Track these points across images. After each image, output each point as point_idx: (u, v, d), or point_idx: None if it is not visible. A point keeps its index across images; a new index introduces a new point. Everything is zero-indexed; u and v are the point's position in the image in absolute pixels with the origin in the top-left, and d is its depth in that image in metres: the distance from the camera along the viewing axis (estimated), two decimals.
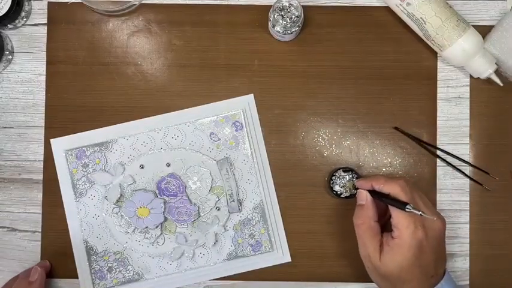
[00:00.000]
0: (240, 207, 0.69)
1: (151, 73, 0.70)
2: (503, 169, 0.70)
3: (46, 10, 0.71)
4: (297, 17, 0.66)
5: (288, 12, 0.66)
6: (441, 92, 0.70)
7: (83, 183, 0.69)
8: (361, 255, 0.62)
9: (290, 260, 0.69)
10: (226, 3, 0.70)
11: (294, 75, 0.70)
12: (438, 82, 0.70)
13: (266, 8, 0.69)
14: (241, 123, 0.69)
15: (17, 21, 0.69)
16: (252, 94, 0.70)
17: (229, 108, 0.69)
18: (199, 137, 0.69)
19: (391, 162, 0.70)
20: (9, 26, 0.70)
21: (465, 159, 0.70)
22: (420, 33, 0.67)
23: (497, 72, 0.67)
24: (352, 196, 0.68)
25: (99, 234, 0.69)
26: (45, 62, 0.70)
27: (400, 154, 0.70)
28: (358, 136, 0.70)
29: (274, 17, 0.66)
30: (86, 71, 0.70)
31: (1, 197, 0.70)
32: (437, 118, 0.70)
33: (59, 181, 0.69)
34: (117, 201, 0.68)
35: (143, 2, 0.70)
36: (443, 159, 0.70)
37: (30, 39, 0.71)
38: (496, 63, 0.66)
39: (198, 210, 0.68)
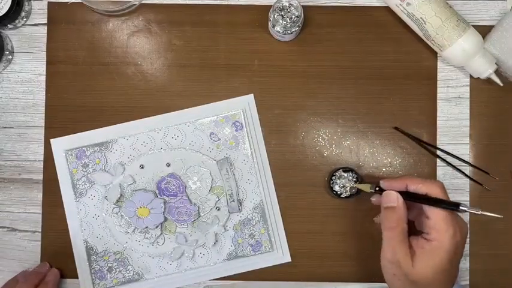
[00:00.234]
0: (240, 207, 0.69)
1: (151, 73, 0.70)
2: (503, 169, 0.70)
3: (46, 10, 0.71)
4: (297, 17, 0.66)
5: (288, 12, 0.66)
6: (441, 92, 0.70)
7: (83, 183, 0.69)
8: (387, 261, 0.57)
9: (290, 260, 0.69)
10: (226, 3, 0.70)
11: (294, 75, 0.70)
12: (438, 82, 0.70)
13: (266, 8, 0.69)
14: (241, 123, 0.69)
15: (17, 21, 0.70)
16: (252, 94, 0.70)
17: (229, 108, 0.69)
18: (199, 137, 0.69)
19: (391, 162, 0.70)
20: (9, 26, 0.70)
21: (465, 159, 0.70)
22: (420, 33, 0.67)
23: (497, 72, 0.67)
24: (352, 196, 0.68)
25: (99, 234, 0.69)
26: (45, 62, 0.70)
27: (400, 154, 0.70)
28: (358, 136, 0.70)
29: (274, 17, 0.66)
30: (86, 71, 0.70)
31: (1, 197, 0.70)
32: (437, 118, 0.70)
33: (59, 181, 0.69)
34: (117, 201, 0.68)
35: (143, 2, 0.70)
36: (443, 159, 0.70)
37: (30, 39, 0.71)
38: (496, 63, 0.66)
39: (198, 210, 0.68)
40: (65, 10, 0.71)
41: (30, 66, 0.71)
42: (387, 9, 0.69)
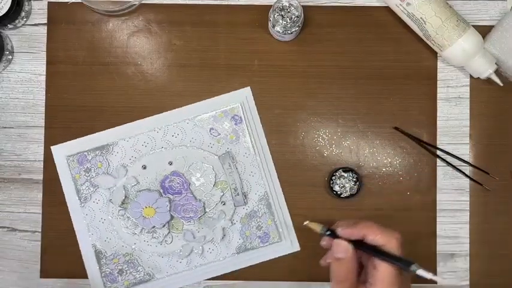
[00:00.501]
0: (245, 200, 0.69)
1: (151, 73, 0.70)
2: (503, 169, 0.70)
3: (46, 10, 0.71)
4: (297, 17, 0.66)
5: (288, 12, 0.66)
6: (441, 92, 0.70)
7: (87, 188, 0.69)
8: None
9: (299, 249, 0.69)
10: (226, 3, 0.70)
11: (294, 75, 0.70)
12: (438, 82, 0.70)
13: (266, 8, 0.69)
14: (240, 117, 0.69)
15: (17, 21, 0.69)
16: (249, 87, 0.69)
17: (227, 102, 0.69)
18: (199, 134, 0.69)
19: (391, 162, 0.70)
20: (9, 26, 0.70)
21: (465, 159, 0.70)
22: (420, 33, 0.67)
23: (497, 72, 0.67)
24: (352, 196, 0.68)
25: (107, 238, 0.69)
26: (45, 62, 0.70)
27: (400, 154, 0.70)
28: (358, 136, 0.70)
29: (274, 17, 0.66)
30: (86, 71, 0.70)
31: (1, 197, 0.70)
32: (437, 118, 0.70)
33: (63, 187, 0.69)
34: (122, 203, 0.68)
35: (143, 2, 0.70)
36: (443, 159, 0.70)
37: (30, 39, 0.71)
38: (496, 63, 0.66)
39: (203, 206, 0.68)
40: (65, 10, 0.71)
41: (30, 66, 0.71)
42: (387, 9, 0.69)
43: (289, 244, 0.69)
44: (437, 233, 0.70)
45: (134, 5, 0.70)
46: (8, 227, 0.70)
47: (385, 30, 0.70)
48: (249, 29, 0.70)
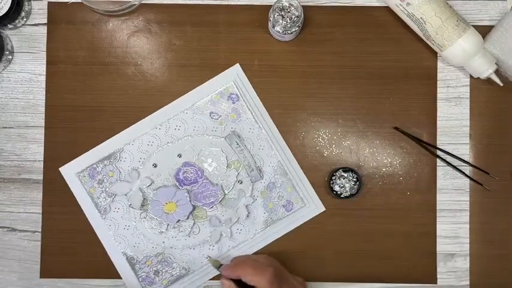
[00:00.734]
0: (261, 174, 0.69)
1: (151, 73, 0.70)
2: (503, 169, 0.70)
3: (46, 10, 0.71)
4: (297, 17, 0.66)
5: (288, 12, 0.66)
6: (441, 92, 0.70)
7: (104, 199, 0.69)
8: None
9: (324, 209, 0.69)
10: (226, 3, 0.70)
11: (294, 75, 0.70)
12: (438, 82, 0.70)
13: (266, 8, 0.69)
14: (236, 94, 0.69)
15: (17, 21, 0.70)
16: (238, 64, 0.69)
17: (221, 83, 0.69)
18: (200, 121, 0.69)
19: (391, 162, 0.70)
20: (9, 26, 0.70)
21: (465, 159, 0.70)
22: (420, 33, 0.67)
23: (497, 72, 0.67)
24: (352, 196, 0.68)
25: (135, 243, 0.69)
26: (45, 62, 0.70)
27: (400, 154, 0.70)
28: (358, 136, 0.70)
29: (274, 17, 0.66)
30: (86, 71, 0.70)
31: (1, 197, 0.70)
32: (437, 118, 0.70)
33: (80, 204, 0.69)
34: (142, 205, 0.69)
35: (143, 2, 0.70)
36: (443, 159, 0.70)
37: (30, 39, 0.71)
38: (496, 63, 0.66)
39: (222, 188, 0.69)
40: (65, 10, 0.71)
41: (30, 66, 0.70)
42: (387, 9, 0.69)
43: (313, 207, 0.70)
44: (437, 233, 0.70)
45: (134, 5, 0.70)
46: (8, 227, 0.70)
47: (385, 30, 0.70)
48: (249, 29, 0.70)
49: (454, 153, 0.70)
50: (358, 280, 0.70)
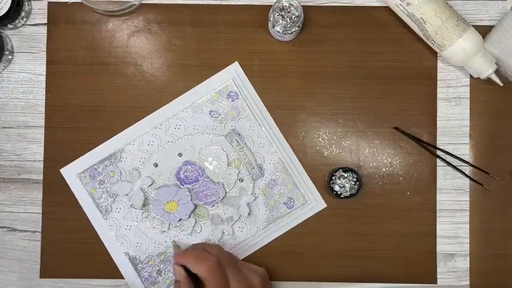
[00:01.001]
0: (262, 172, 0.69)
1: (151, 73, 0.70)
2: (503, 169, 0.70)
3: (46, 10, 0.71)
4: (297, 17, 0.66)
5: (288, 12, 0.66)
6: (441, 92, 0.70)
7: (105, 200, 0.69)
8: None
9: (326, 206, 0.69)
10: (226, 3, 0.70)
11: (294, 75, 0.70)
12: (438, 82, 0.70)
13: (266, 8, 0.69)
14: (235, 92, 0.69)
15: (17, 21, 0.70)
16: (236, 61, 0.70)
17: (219, 81, 0.69)
18: (200, 119, 0.69)
19: (391, 162, 0.70)
20: (9, 26, 0.70)
21: (465, 159, 0.70)
22: (420, 33, 0.67)
23: (497, 72, 0.67)
24: (352, 196, 0.68)
25: (138, 243, 0.69)
26: (45, 62, 0.70)
27: (400, 154, 0.70)
28: (358, 136, 0.70)
29: (274, 17, 0.66)
30: (86, 71, 0.70)
31: (1, 197, 0.70)
32: (437, 118, 0.70)
33: (81, 205, 0.69)
34: (144, 205, 0.69)
35: (143, 2, 0.70)
36: (443, 159, 0.70)
37: (30, 39, 0.71)
38: (496, 63, 0.66)
39: (223, 187, 0.69)
40: (65, 10, 0.71)
41: (30, 66, 0.70)
42: (387, 9, 0.69)
43: (315, 203, 0.69)
44: (437, 233, 0.70)
45: (134, 5, 0.70)
46: (8, 227, 0.70)
47: (385, 30, 0.70)
48: (249, 29, 0.70)
49: (454, 153, 0.70)
50: (358, 280, 0.70)
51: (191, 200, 0.68)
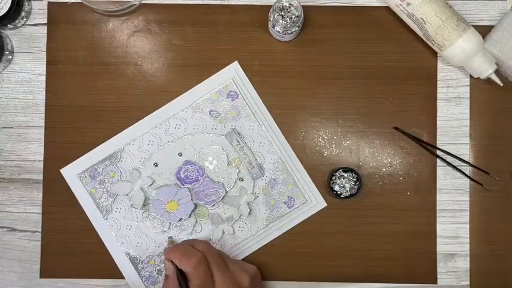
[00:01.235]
0: (262, 171, 0.69)
1: (151, 73, 0.70)
2: (503, 169, 0.70)
3: (46, 10, 0.71)
4: (297, 17, 0.66)
5: (288, 12, 0.66)
6: (441, 92, 0.70)
7: (106, 200, 0.69)
8: None
9: (326, 205, 0.69)
10: (226, 3, 0.70)
11: (294, 75, 0.70)
12: (438, 82, 0.70)
13: (266, 8, 0.69)
14: (235, 92, 0.69)
15: (17, 21, 0.70)
16: (236, 61, 0.70)
17: (219, 81, 0.70)
18: (200, 119, 0.69)
19: (391, 162, 0.70)
20: (9, 26, 0.70)
21: (465, 159, 0.70)
22: (420, 33, 0.67)
23: (497, 72, 0.67)
24: (352, 196, 0.68)
25: (138, 243, 0.69)
26: (45, 62, 0.70)
27: (400, 154, 0.70)
28: (358, 136, 0.70)
29: (274, 17, 0.66)
30: (86, 71, 0.70)
31: (1, 197, 0.70)
32: (437, 118, 0.70)
33: (81, 205, 0.69)
34: (144, 205, 0.69)
35: (143, 2, 0.70)
36: (443, 159, 0.70)
37: (30, 39, 0.71)
38: (496, 63, 0.66)
39: (223, 186, 0.69)
40: (65, 10, 0.71)
41: (30, 66, 0.70)
42: (387, 9, 0.69)
43: (315, 202, 0.70)
44: (437, 233, 0.70)
45: (134, 5, 0.70)
46: (8, 227, 0.70)
47: (385, 30, 0.70)
48: (249, 29, 0.70)
49: (454, 153, 0.70)
50: (358, 280, 0.70)
51: (191, 199, 0.68)
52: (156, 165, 0.69)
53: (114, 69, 0.70)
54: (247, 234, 0.69)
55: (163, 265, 0.69)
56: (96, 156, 0.69)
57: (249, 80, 0.70)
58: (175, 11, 0.70)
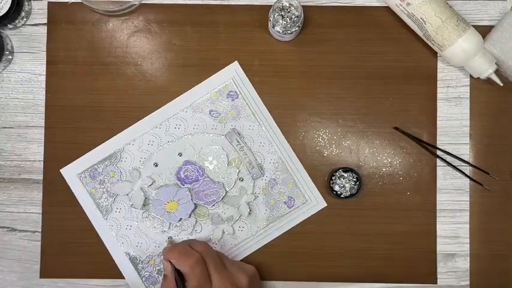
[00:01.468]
0: (262, 171, 0.69)
1: (151, 73, 0.70)
2: (503, 169, 0.70)
3: (46, 10, 0.71)
4: (297, 17, 0.66)
5: (288, 12, 0.66)
6: (441, 92, 0.70)
7: (106, 200, 0.69)
8: None
9: (326, 205, 0.69)
10: (226, 3, 0.70)
11: (294, 75, 0.70)
12: (438, 82, 0.70)
13: (266, 8, 0.69)
14: (235, 91, 0.69)
15: (17, 21, 0.70)
16: (236, 61, 0.70)
17: (219, 81, 0.70)
18: (200, 119, 0.69)
19: (391, 162, 0.70)
20: (9, 26, 0.70)
21: (465, 159, 0.70)
22: (420, 33, 0.67)
23: (497, 72, 0.67)
24: (352, 196, 0.68)
25: (138, 243, 0.69)
26: (45, 62, 0.70)
27: (400, 154, 0.70)
28: (358, 136, 0.70)
29: (274, 17, 0.66)
30: (86, 71, 0.70)
31: (1, 197, 0.70)
32: (437, 118, 0.70)
33: (81, 205, 0.69)
34: (144, 205, 0.69)
35: (143, 2, 0.70)
36: (443, 159, 0.70)
37: (30, 39, 0.71)
38: (496, 63, 0.66)
39: (223, 186, 0.69)
40: (65, 10, 0.71)
41: (30, 66, 0.71)
42: (387, 9, 0.69)
43: (315, 202, 0.70)
44: (437, 233, 0.70)
45: (134, 5, 0.70)
46: (8, 227, 0.70)
47: (385, 30, 0.70)
48: (249, 29, 0.70)
49: (454, 153, 0.70)
50: (358, 280, 0.70)
51: (191, 199, 0.68)
52: (156, 165, 0.69)
53: (114, 69, 0.70)
54: (247, 234, 0.69)
55: (163, 265, 0.69)
56: (96, 156, 0.69)
57: (249, 80, 0.70)
58: (175, 11, 0.70)
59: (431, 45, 0.68)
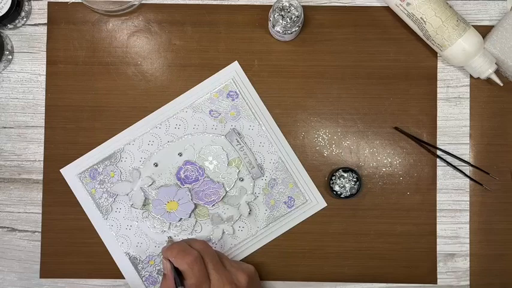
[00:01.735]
0: (262, 171, 0.69)
1: (151, 73, 0.70)
2: (503, 169, 0.70)
3: (46, 10, 0.71)
4: (297, 17, 0.66)
5: (288, 12, 0.66)
6: (441, 92, 0.70)
7: (106, 200, 0.69)
8: None
9: (326, 205, 0.69)
10: (226, 3, 0.70)
11: (294, 75, 0.70)
12: (438, 82, 0.70)
13: (266, 8, 0.69)
14: (235, 92, 0.69)
15: (17, 21, 0.70)
16: (236, 61, 0.70)
17: (219, 81, 0.70)
18: (200, 119, 0.69)
19: (391, 162, 0.70)
20: (9, 26, 0.70)
21: (465, 159, 0.70)
22: (420, 33, 0.67)
23: (497, 72, 0.67)
24: (352, 196, 0.68)
25: (138, 243, 0.69)
26: (45, 62, 0.70)
27: (400, 154, 0.70)
28: (358, 136, 0.70)
29: (274, 17, 0.66)
30: (86, 71, 0.70)
31: (1, 197, 0.70)
32: (437, 118, 0.70)
33: (81, 205, 0.69)
34: (144, 205, 0.69)
35: (143, 2, 0.71)
36: (443, 159, 0.70)
37: (30, 39, 0.71)
38: (496, 63, 0.66)
39: (223, 186, 0.69)
40: (65, 10, 0.71)
41: (30, 66, 0.71)
42: (387, 9, 0.69)
43: (315, 202, 0.70)
44: (437, 233, 0.70)
45: (134, 5, 0.70)
46: (8, 227, 0.70)
47: (385, 30, 0.70)
48: (249, 29, 0.70)
49: (454, 153, 0.70)
50: (358, 280, 0.70)
51: (191, 199, 0.68)
52: (156, 165, 0.69)
53: (114, 69, 0.70)
54: (247, 234, 0.69)
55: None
56: (96, 156, 0.69)
57: (249, 80, 0.70)
58: (175, 11, 0.70)
59: (431, 45, 0.68)
